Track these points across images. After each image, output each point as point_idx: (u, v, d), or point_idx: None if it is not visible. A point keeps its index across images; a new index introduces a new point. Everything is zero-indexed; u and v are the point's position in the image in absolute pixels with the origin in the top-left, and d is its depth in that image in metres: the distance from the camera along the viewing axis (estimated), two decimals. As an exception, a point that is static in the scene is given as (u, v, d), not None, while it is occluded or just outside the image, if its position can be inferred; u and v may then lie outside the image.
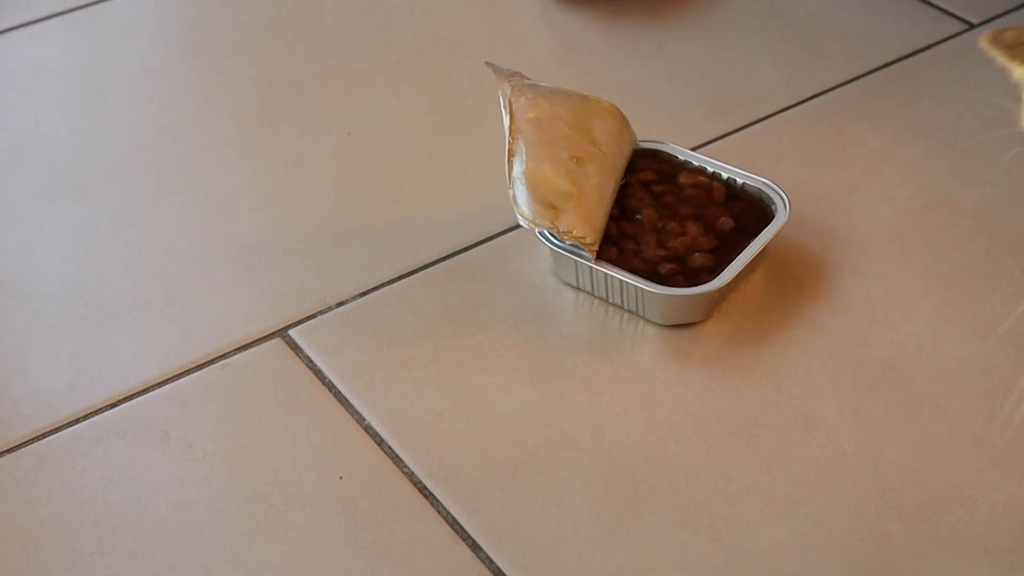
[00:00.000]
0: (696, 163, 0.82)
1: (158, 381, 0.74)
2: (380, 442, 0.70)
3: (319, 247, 0.83)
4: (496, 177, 0.88)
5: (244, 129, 0.94)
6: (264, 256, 0.83)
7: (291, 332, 0.77)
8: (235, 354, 0.76)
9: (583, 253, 0.76)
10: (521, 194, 0.76)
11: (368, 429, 0.71)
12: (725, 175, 0.82)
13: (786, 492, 0.67)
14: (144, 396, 0.74)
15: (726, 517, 0.66)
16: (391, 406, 0.72)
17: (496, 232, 0.84)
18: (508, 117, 0.78)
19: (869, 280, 0.79)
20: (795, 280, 0.80)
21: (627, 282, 0.75)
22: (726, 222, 0.79)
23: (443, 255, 0.82)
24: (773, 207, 0.80)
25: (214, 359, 0.76)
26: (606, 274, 0.76)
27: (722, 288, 0.75)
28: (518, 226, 0.84)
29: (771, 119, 0.93)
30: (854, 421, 0.70)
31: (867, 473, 0.68)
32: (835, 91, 0.96)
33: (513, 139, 0.77)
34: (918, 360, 0.74)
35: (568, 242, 0.76)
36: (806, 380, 0.73)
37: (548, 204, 0.75)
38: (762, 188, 0.80)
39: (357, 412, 0.72)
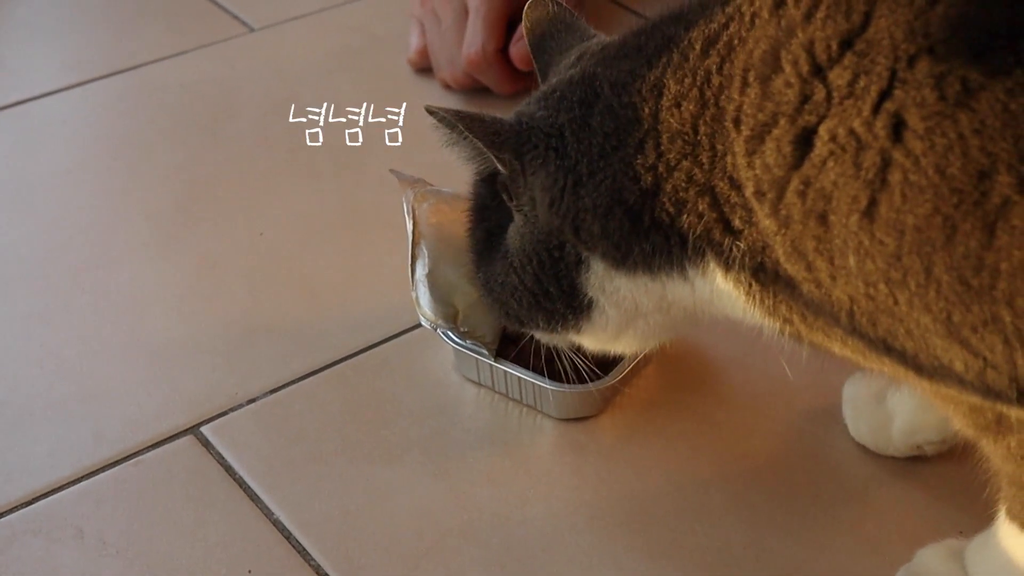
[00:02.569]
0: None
1: (72, 479, 0.77)
2: (288, 536, 0.73)
3: (230, 345, 0.87)
4: (402, 277, 0.91)
5: (158, 229, 0.97)
6: (176, 355, 0.86)
7: (203, 429, 0.80)
8: (148, 451, 0.79)
9: (483, 351, 0.80)
10: (423, 296, 0.80)
11: (276, 523, 0.74)
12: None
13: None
14: (58, 494, 0.76)
15: (618, 604, 0.69)
16: (299, 501, 0.75)
17: (401, 330, 0.87)
18: (411, 223, 0.82)
19: (754, 374, 0.84)
20: (686, 374, 0.84)
21: (524, 379, 0.79)
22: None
23: (350, 352, 0.86)
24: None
25: (127, 456, 0.78)
26: (504, 371, 0.80)
27: (615, 384, 0.79)
28: (419, 325, 0.87)
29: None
30: (739, 511, 0.74)
31: (751, 562, 0.72)
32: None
33: (416, 244, 0.81)
34: (799, 450, 0.79)
35: (468, 341, 0.80)
36: (695, 472, 0.77)
37: (449, 305, 0.79)
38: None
39: (266, 507, 0.75)
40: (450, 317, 0.79)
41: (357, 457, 0.78)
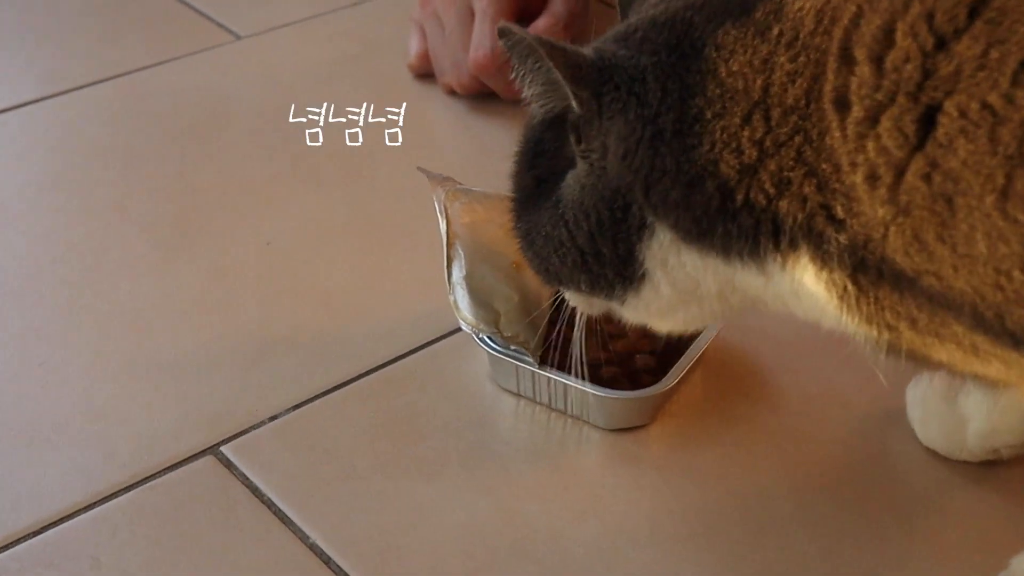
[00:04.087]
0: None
1: (84, 505, 0.70)
2: (327, 560, 0.67)
3: (246, 360, 0.81)
4: (424, 284, 0.86)
5: (157, 241, 0.91)
6: (188, 371, 0.80)
7: (223, 449, 0.74)
8: (165, 473, 0.73)
9: (525, 358, 0.75)
10: (462, 299, 0.75)
11: (313, 547, 0.68)
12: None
13: (751, 595, 0.66)
14: (70, 522, 0.70)
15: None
16: (335, 522, 0.69)
17: (429, 339, 0.82)
18: (444, 222, 0.77)
19: (805, 378, 0.79)
20: (733, 380, 0.79)
21: (571, 386, 0.74)
22: (663, 323, 0.78)
23: (376, 364, 0.80)
24: (708, 308, 0.79)
25: (143, 480, 0.72)
26: (549, 379, 0.75)
27: (667, 391, 0.74)
28: (452, 333, 0.82)
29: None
30: (809, 522, 0.70)
31: (827, 574, 0.67)
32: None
33: (451, 244, 0.76)
34: (863, 456, 0.74)
35: (512, 347, 0.74)
36: (756, 481, 0.72)
37: (489, 309, 0.74)
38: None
39: (300, 530, 0.69)
40: (491, 321, 0.74)
41: (394, 473, 0.72)
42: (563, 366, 0.74)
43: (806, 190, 0.55)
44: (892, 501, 0.71)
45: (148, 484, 0.72)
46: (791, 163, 0.55)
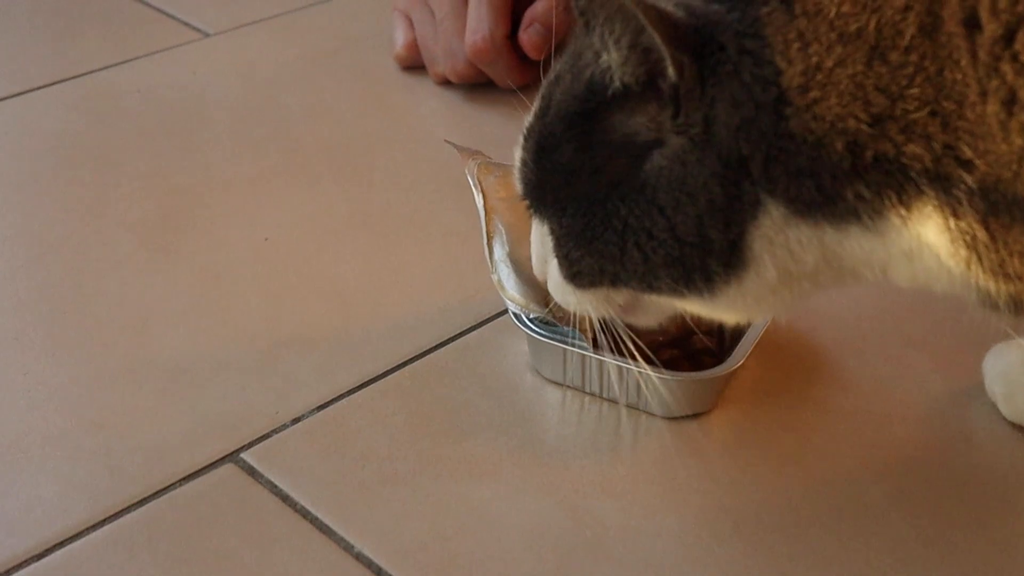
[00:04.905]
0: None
1: (91, 524, 0.62)
2: (377, 571, 0.59)
3: (257, 361, 0.73)
4: (442, 276, 0.79)
5: (142, 241, 0.83)
6: (194, 375, 0.72)
7: (244, 455, 0.66)
8: (181, 485, 0.64)
9: (575, 341, 0.68)
10: (508, 278, 0.67)
11: (360, 558, 0.60)
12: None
13: (857, 588, 0.59)
14: (77, 542, 0.61)
15: (799, 622, 0.57)
16: (383, 530, 0.62)
17: (457, 332, 0.75)
18: (480, 197, 0.70)
19: (872, 358, 0.73)
20: (794, 363, 0.73)
21: (630, 370, 0.67)
22: (718, 303, 0.72)
23: (403, 360, 0.73)
24: (762, 286, 0.73)
25: (157, 492, 0.64)
26: (602, 363, 0.68)
27: (735, 371, 0.68)
28: (480, 324, 0.75)
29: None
30: (904, 506, 0.63)
31: (936, 561, 0.60)
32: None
33: (489, 219, 0.69)
34: (948, 435, 0.68)
35: (562, 329, 0.67)
36: (839, 466, 0.66)
37: (538, 288, 0.67)
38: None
39: (343, 540, 0.61)
40: (542, 300, 0.67)
41: (441, 475, 0.65)
42: (616, 350, 0.67)
43: (931, 130, 0.50)
44: (986, 481, 0.65)
45: (164, 496, 0.63)
46: (915, 105, 0.50)
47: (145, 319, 0.76)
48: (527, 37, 0.97)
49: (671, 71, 0.52)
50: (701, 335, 0.70)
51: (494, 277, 0.68)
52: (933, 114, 0.50)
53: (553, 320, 0.68)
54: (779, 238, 0.54)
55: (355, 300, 0.78)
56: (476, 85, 1.00)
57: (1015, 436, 0.67)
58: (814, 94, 0.51)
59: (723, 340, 0.70)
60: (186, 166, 0.91)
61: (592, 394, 0.69)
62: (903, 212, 0.52)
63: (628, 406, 0.69)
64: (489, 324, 0.75)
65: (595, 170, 0.56)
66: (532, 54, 0.97)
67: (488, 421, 0.68)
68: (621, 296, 0.60)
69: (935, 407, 0.70)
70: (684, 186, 0.54)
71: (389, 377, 0.71)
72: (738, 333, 0.70)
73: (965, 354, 0.72)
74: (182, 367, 0.72)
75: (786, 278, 0.56)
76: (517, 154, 0.59)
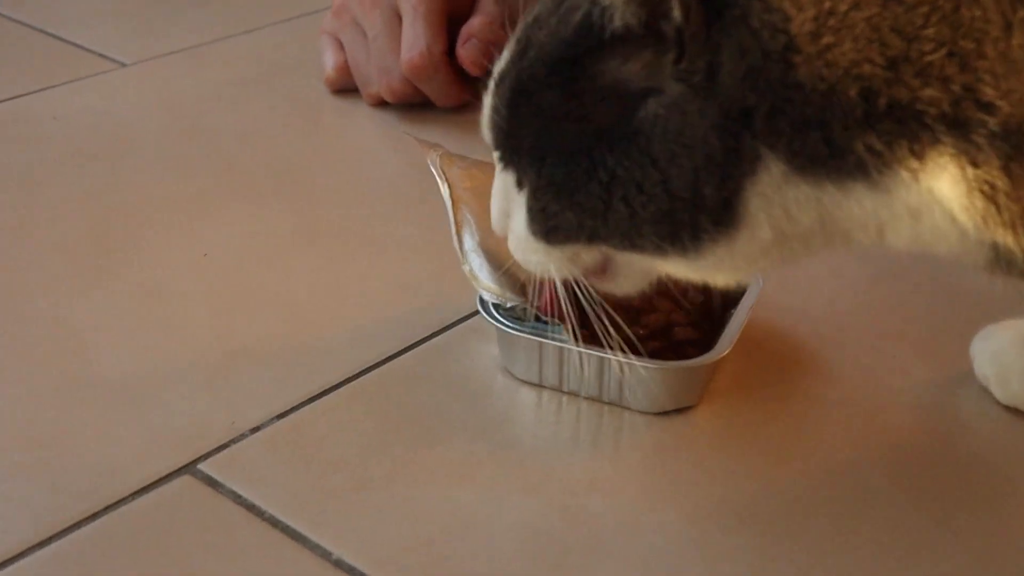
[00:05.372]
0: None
1: (35, 543, 0.56)
2: (360, 578, 0.54)
3: (206, 374, 0.67)
4: (396, 287, 0.76)
5: (74, 260, 0.78)
6: (138, 391, 0.66)
7: (201, 466, 0.61)
8: (133, 499, 0.59)
9: (554, 334, 0.64)
10: (480, 268, 0.64)
11: (340, 564, 0.55)
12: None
13: (873, 567, 0.55)
14: (19, 562, 0.55)
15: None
16: (362, 535, 0.57)
17: (419, 338, 0.70)
18: (446, 187, 0.66)
19: (853, 350, 0.70)
20: (775, 357, 0.70)
21: (614, 363, 0.63)
22: (695, 295, 0.69)
23: (364, 367, 0.68)
24: (737, 280, 0.70)
25: (107, 507, 0.58)
26: (581, 356, 0.64)
27: (721, 360, 0.64)
28: (444, 329, 0.71)
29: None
30: (909, 492, 0.60)
31: (947, 543, 0.57)
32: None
33: (457, 209, 0.65)
34: (945, 421, 0.65)
35: (548, 321, 0.63)
36: (835, 454, 0.63)
37: (513, 277, 0.63)
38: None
39: (319, 547, 0.56)
40: (517, 289, 0.63)
41: (419, 479, 0.60)
42: (596, 335, 0.63)
43: (948, 71, 0.48)
44: (984, 464, 0.62)
45: (115, 512, 0.58)
46: (931, 46, 0.48)
47: (81, 337, 0.70)
48: (465, 52, 0.94)
49: (677, 13, 0.49)
50: (681, 326, 0.66)
51: (465, 268, 0.64)
52: (950, 55, 0.47)
53: (525, 313, 0.65)
54: (776, 197, 0.51)
55: (306, 311, 0.73)
56: (412, 105, 0.97)
57: (1009, 418, 0.65)
58: (827, 40, 0.48)
59: (706, 331, 0.67)
60: (113, 188, 0.86)
61: (570, 393, 0.66)
62: (915, 164, 0.49)
63: (610, 403, 0.65)
64: (453, 329, 0.71)
65: (581, 118, 0.53)
66: (471, 69, 0.94)
67: (462, 424, 0.64)
68: (592, 255, 0.57)
69: (924, 394, 0.67)
70: (681, 137, 0.51)
71: (351, 384, 0.67)
72: (720, 323, 0.66)
73: (946, 343, 0.70)
74: (125, 383, 0.67)
75: (779, 238, 0.53)
76: (487, 101, 0.56)
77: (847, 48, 0.48)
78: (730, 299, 0.68)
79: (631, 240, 0.54)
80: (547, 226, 0.55)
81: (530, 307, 0.63)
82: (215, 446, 0.62)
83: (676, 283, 0.69)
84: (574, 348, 0.63)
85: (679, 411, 0.65)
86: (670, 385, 0.63)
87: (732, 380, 0.67)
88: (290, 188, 0.87)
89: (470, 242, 0.64)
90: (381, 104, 0.97)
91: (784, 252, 0.54)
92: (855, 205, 0.51)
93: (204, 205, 0.84)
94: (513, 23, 0.97)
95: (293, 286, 0.75)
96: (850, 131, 0.49)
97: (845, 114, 0.49)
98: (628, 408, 0.65)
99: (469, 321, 0.71)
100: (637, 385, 0.63)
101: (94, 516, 0.57)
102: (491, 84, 0.56)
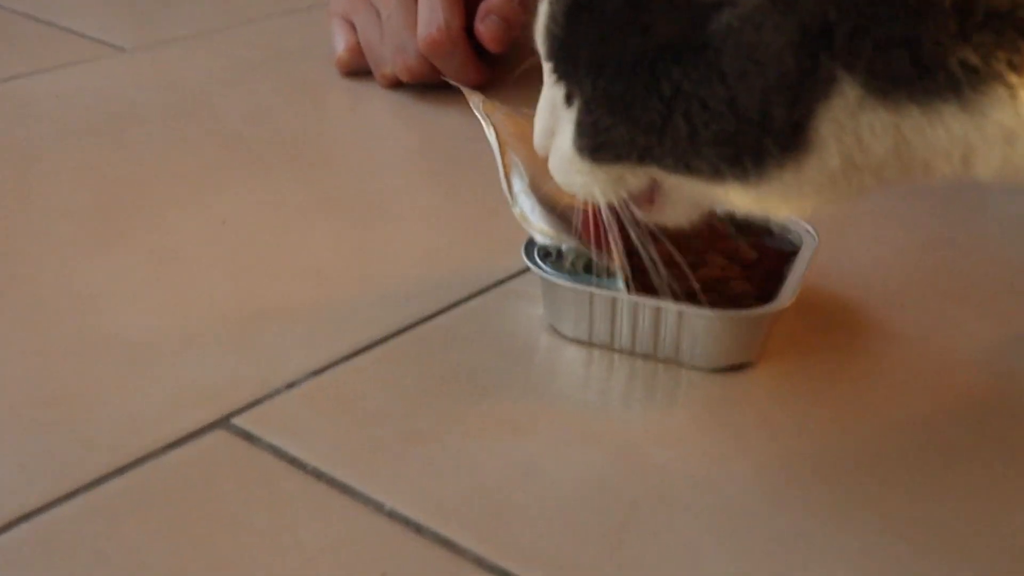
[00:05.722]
0: (683, 203, 0.69)
1: (61, 495, 0.51)
2: (418, 528, 0.50)
3: (231, 334, 0.63)
4: (424, 253, 0.72)
5: (83, 227, 0.73)
6: (160, 349, 0.62)
7: (235, 420, 0.56)
8: (165, 453, 0.54)
9: (610, 283, 0.60)
10: (532, 210, 0.60)
11: (394, 515, 0.51)
12: (720, 211, 0.68)
13: (959, 517, 0.52)
14: (44, 514, 0.50)
15: (909, 556, 0.50)
16: (415, 486, 0.52)
17: (457, 300, 0.66)
18: (491, 131, 0.63)
19: (912, 311, 0.67)
20: (832, 318, 0.66)
21: (676, 310, 0.59)
22: (748, 251, 0.65)
23: (401, 327, 0.64)
24: (790, 236, 0.67)
25: (138, 460, 0.53)
26: (636, 307, 0.60)
27: (779, 316, 0.61)
28: (483, 291, 0.67)
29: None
30: (987, 444, 0.57)
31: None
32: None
33: (504, 152, 0.62)
34: (1013, 378, 0.62)
35: (599, 274, 0.60)
36: (916, 408, 0.59)
37: (565, 218, 0.60)
38: (770, 219, 0.68)
39: (370, 499, 0.52)
40: (571, 230, 0.59)
41: (470, 431, 0.56)
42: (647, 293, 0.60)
43: None
44: (1070, 418, 0.59)
45: (146, 465, 0.53)
46: None
47: (95, 299, 0.66)
48: (485, 28, 0.91)
49: None
50: (739, 280, 0.63)
51: (516, 210, 0.61)
52: None
53: (574, 266, 0.61)
54: (850, 123, 0.48)
55: (333, 275, 0.69)
56: (427, 87, 0.93)
57: (1083, 377, 0.62)
58: None
59: (762, 287, 0.63)
60: (120, 161, 0.82)
61: (621, 351, 0.62)
62: (1014, 79, 0.46)
63: (664, 360, 0.61)
64: (491, 291, 0.67)
65: (647, 28, 0.50)
66: (491, 46, 0.91)
67: (510, 381, 0.60)
68: (639, 178, 0.53)
69: (990, 353, 0.64)
70: (754, 53, 0.48)
71: (389, 343, 0.63)
72: (777, 279, 0.63)
73: (1006, 303, 0.67)
74: (145, 341, 0.62)
75: (849, 168, 0.50)
76: (543, 9, 0.53)
77: None
78: (784, 256, 0.65)
79: (686, 161, 0.51)
80: (596, 142, 0.52)
81: (581, 245, 0.59)
82: (248, 401, 0.58)
83: (728, 241, 0.66)
84: (627, 297, 0.60)
85: (737, 369, 0.61)
86: (732, 337, 0.60)
87: (789, 340, 0.64)
88: (305, 163, 0.83)
89: (519, 184, 0.61)
90: (395, 86, 0.94)
91: (852, 183, 0.51)
92: (941, 130, 0.48)
93: (216, 177, 0.80)
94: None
95: (318, 251, 0.72)
96: (942, 47, 0.46)
97: (938, 28, 0.46)
98: (684, 366, 0.61)
99: (509, 283, 0.68)
100: (696, 337, 0.60)
101: (122, 470, 0.53)
102: None
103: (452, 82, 0.68)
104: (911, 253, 0.74)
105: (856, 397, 0.60)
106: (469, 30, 0.92)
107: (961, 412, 0.59)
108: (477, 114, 0.64)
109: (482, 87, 0.92)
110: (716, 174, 0.51)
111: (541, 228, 0.60)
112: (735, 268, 0.64)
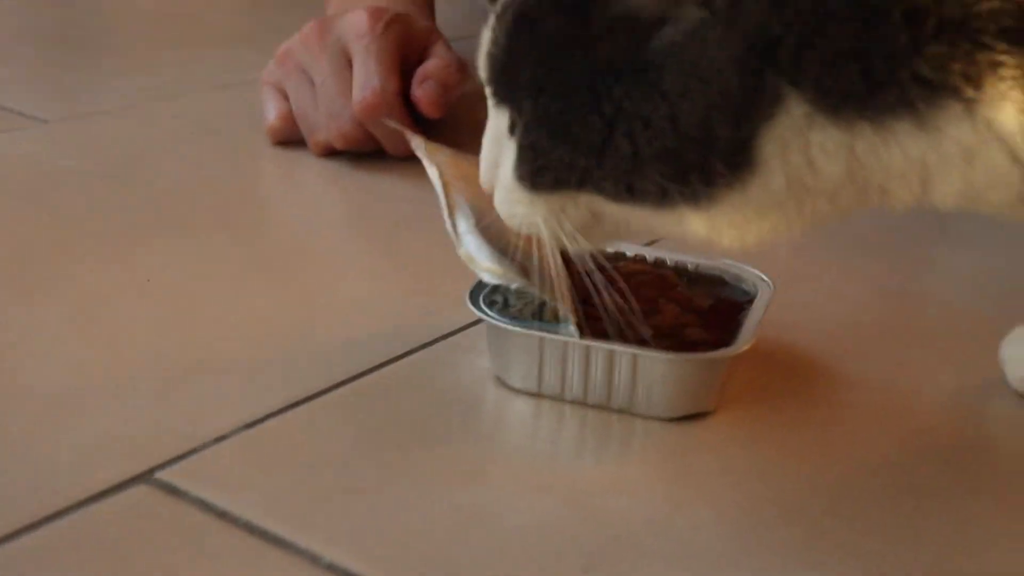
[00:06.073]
0: (630, 253, 0.66)
1: (-35, 554, 0.47)
2: (358, 579, 0.46)
3: (158, 388, 0.59)
4: (363, 308, 0.69)
5: (1, 281, 0.69)
6: (80, 403, 0.57)
7: (159, 474, 0.52)
8: (78, 509, 0.50)
9: (560, 328, 0.57)
10: (479, 249, 0.57)
11: (332, 568, 0.46)
12: (670, 261, 0.66)
13: (929, 557, 0.48)
14: (-53, 574, 0.46)
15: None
16: (355, 538, 0.48)
17: (401, 352, 0.63)
18: (434, 170, 0.60)
19: (874, 360, 0.64)
20: (790, 366, 0.64)
21: (631, 354, 0.56)
22: (702, 299, 0.63)
23: (341, 379, 0.60)
24: (743, 285, 0.64)
25: (48, 518, 0.49)
26: (588, 352, 0.57)
27: (735, 363, 0.58)
28: (421, 347, 0.63)
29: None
30: (954, 487, 0.54)
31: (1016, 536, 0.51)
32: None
33: (448, 192, 0.59)
34: (974, 424, 0.60)
35: (560, 314, 0.57)
36: (882, 450, 0.56)
37: (513, 260, 0.57)
38: (723, 269, 0.65)
39: (307, 551, 0.47)
40: (520, 269, 0.56)
41: (417, 481, 0.52)
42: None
43: None
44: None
45: (58, 522, 0.49)
46: None
47: (12, 348, 0.62)
48: (422, 92, 0.89)
49: None
50: (695, 327, 0.60)
51: (461, 251, 0.58)
52: None
53: (521, 312, 0.58)
54: (797, 142, 0.47)
55: (266, 330, 0.65)
56: (362, 155, 0.90)
57: (1051, 421, 0.59)
58: None
59: (718, 334, 0.60)
60: (39, 222, 0.78)
61: (573, 401, 0.58)
62: (970, 93, 0.45)
63: (619, 410, 0.58)
64: (437, 344, 0.64)
65: (588, 46, 0.48)
66: (428, 111, 0.89)
67: (456, 431, 0.56)
68: (581, 209, 0.51)
69: (953, 400, 0.62)
70: (697, 69, 0.46)
71: (327, 395, 0.59)
72: (732, 326, 0.60)
73: (967, 351, 0.65)
74: (62, 394, 0.58)
75: (800, 191, 0.48)
76: (486, 36, 0.51)
77: None
78: (738, 306, 0.62)
79: (628, 183, 0.49)
80: (535, 166, 0.50)
81: (534, 291, 0.56)
82: (174, 455, 0.53)
83: (677, 293, 0.63)
84: (579, 342, 0.57)
85: (694, 418, 0.58)
86: (691, 381, 0.57)
87: (748, 388, 0.61)
88: (236, 224, 0.80)
89: (464, 224, 0.58)
90: (329, 154, 0.91)
91: (805, 207, 0.49)
92: (897, 150, 0.47)
93: (142, 237, 0.77)
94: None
95: (250, 306, 0.68)
96: (893, 60, 0.45)
97: (888, 40, 0.45)
98: (640, 416, 0.57)
99: (453, 337, 0.64)
100: (653, 383, 0.56)
101: (34, 525, 0.48)
102: (491, 17, 0.51)
103: (393, 125, 0.65)
104: (865, 305, 0.72)
105: (821, 441, 0.57)
106: (405, 96, 0.90)
107: (928, 453, 0.56)
108: (419, 156, 0.61)
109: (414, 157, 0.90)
110: (663, 197, 0.49)
111: (489, 267, 0.57)
112: (689, 316, 0.61)
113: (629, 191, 0.49)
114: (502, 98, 0.51)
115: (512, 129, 0.51)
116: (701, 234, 0.50)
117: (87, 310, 0.66)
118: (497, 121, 0.53)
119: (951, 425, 0.59)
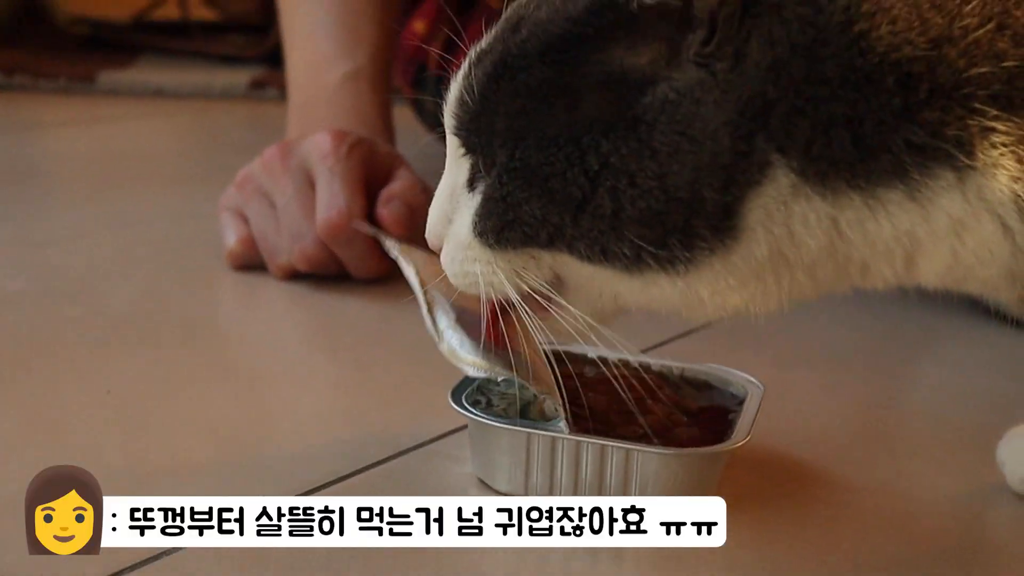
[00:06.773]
0: (612, 358, 0.64)
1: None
2: None
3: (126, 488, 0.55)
4: (339, 417, 0.66)
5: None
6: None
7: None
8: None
9: (550, 426, 0.55)
10: (461, 344, 0.55)
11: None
12: (655, 366, 0.64)
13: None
14: None
15: None
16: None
17: (374, 461, 0.60)
18: (410, 268, 0.58)
19: (868, 466, 0.63)
20: (784, 471, 0.61)
21: (624, 450, 0.54)
22: (691, 400, 0.61)
23: (314, 485, 0.57)
24: (732, 389, 0.62)
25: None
26: (578, 448, 0.54)
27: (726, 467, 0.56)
28: (402, 453, 0.61)
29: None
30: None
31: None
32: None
33: (425, 290, 0.57)
34: (977, 528, 0.58)
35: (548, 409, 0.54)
36: (887, 551, 0.54)
37: (497, 353, 0.54)
38: (709, 373, 0.63)
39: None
40: (505, 363, 0.54)
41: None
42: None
43: (1000, 46, 0.44)
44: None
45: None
46: (976, 21, 0.44)
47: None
48: (388, 212, 0.87)
49: None
50: (685, 427, 0.58)
51: (443, 347, 0.55)
52: (1001, 28, 0.44)
53: (506, 412, 0.56)
54: (780, 213, 0.46)
55: (231, 438, 0.63)
56: (325, 277, 0.88)
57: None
58: (861, 26, 0.45)
59: (710, 434, 0.58)
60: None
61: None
62: (963, 160, 0.44)
63: (611, 509, 0.55)
64: (416, 451, 0.61)
65: (576, 100, 0.47)
66: (394, 229, 0.87)
67: (441, 534, 0.53)
68: (544, 270, 0.50)
69: (954, 503, 0.60)
70: (689, 129, 0.46)
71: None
72: (724, 425, 0.58)
73: (963, 459, 0.64)
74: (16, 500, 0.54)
75: (779, 262, 0.47)
76: (455, 85, 0.50)
77: (884, 32, 0.45)
78: (726, 410, 0.60)
79: (603, 245, 0.48)
80: (504, 220, 0.49)
81: (520, 385, 0.54)
82: (137, 560, 0.50)
83: (664, 394, 0.61)
84: (568, 438, 0.54)
85: (691, 518, 0.55)
86: (689, 478, 0.54)
87: (741, 492, 0.58)
88: (197, 340, 0.77)
89: (444, 320, 0.56)
90: (291, 277, 0.89)
91: (783, 281, 0.48)
92: (885, 222, 0.46)
93: (100, 353, 0.74)
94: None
95: (211, 417, 0.65)
96: (886, 125, 0.45)
97: (880, 105, 0.45)
98: (633, 515, 0.55)
99: (432, 445, 0.62)
100: (648, 481, 0.54)
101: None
102: (464, 66, 0.50)
103: (366, 229, 0.63)
104: (854, 415, 0.70)
105: (823, 541, 0.55)
106: (370, 218, 0.88)
107: (933, 554, 0.55)
108: (394, 254, 0.60)
109: (379, 280, 0.88)
110: (637, 261, 0.47)
111: (473, 361, 0.54)
112: (679, 416, 0.59)
113: (603, 252, 0.48)
114: (472, 147, 0.50)
115: (472, 183, 0.50)
116: (671, 302, 0.49)
117: (48, 419, 0.63)
118: (455, 173, 0.51)
119: (956, 527, 0.58)
